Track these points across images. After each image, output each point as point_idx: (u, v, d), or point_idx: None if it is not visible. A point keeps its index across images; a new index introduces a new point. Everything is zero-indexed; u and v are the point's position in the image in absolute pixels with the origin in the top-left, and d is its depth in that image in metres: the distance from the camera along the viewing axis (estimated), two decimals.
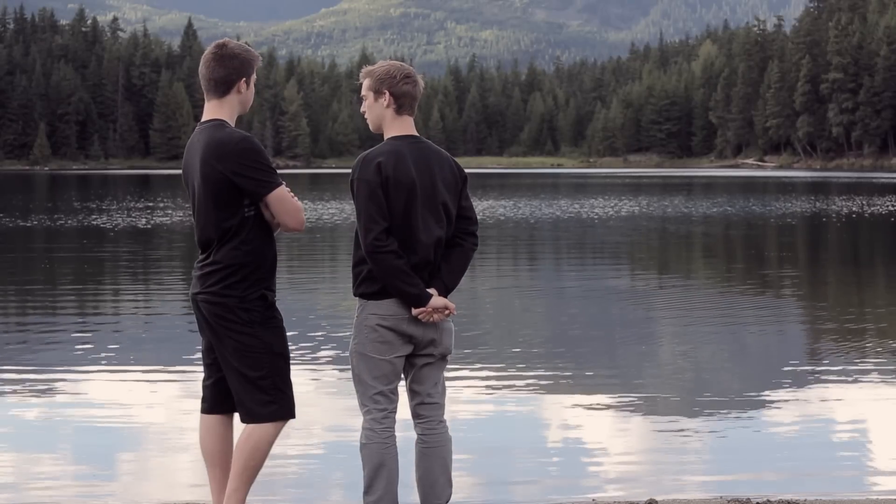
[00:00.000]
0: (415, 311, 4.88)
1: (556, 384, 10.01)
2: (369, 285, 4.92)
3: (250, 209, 4.84)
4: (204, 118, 4.95)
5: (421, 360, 5.02)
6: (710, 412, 8.99)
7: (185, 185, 5.00)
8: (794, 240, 30.08)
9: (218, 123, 4.88)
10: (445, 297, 4.96)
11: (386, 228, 4.82)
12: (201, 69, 4.94)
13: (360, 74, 5.05)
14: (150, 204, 47.37)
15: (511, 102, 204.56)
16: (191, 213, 5.04)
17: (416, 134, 5.00)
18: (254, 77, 5.01)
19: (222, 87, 4.91)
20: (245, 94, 4.98)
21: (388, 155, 4.86)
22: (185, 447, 7.65)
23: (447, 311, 4.93)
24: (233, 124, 4.93)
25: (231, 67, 4.90)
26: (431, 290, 4.92)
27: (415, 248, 4.88)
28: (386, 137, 4.99)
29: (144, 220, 36.12)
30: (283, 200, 4.83)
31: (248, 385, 4.87)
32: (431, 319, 4.91)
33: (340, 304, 15.42)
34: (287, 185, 4.90)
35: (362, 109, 5.05)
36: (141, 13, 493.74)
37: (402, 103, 4.96)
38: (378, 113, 4.98)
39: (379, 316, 4.91)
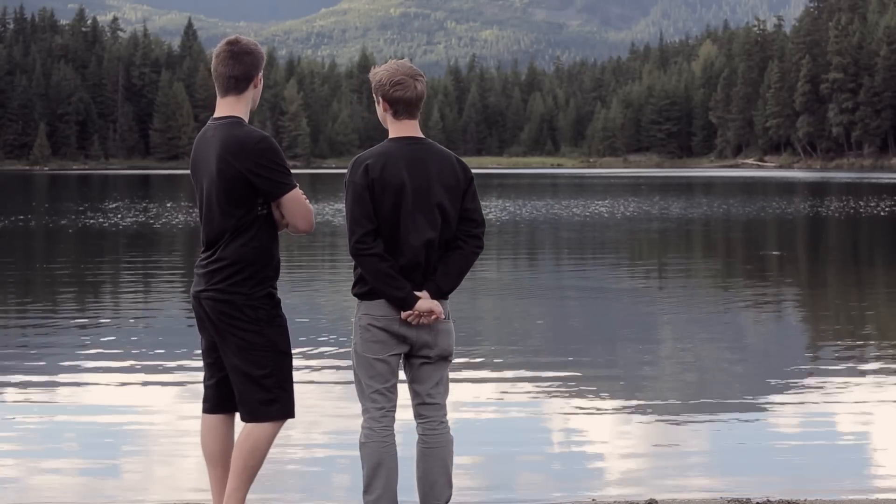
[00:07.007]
0: (403, 315, 4.88)
1: (556, 384, 10.01)
2: (362, 286, 4.93)
3: (263, 208, 4.84)
4: (218, 114, 4.91)
5: (418, 359, 5.02)
6: (711, 412, 8.99)
7: (194, 180, 4.96)
8: (793, 240, 30.09)
9: (235, 121, 4.86)
10: (439, 299, 4.93)
11: (371, 231, 4.83)
12: (217, 67, 4.88)
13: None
14: (151, 204, 47.36)
15: (511, 102, 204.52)
16: (196, 209, 5.02)
17: (417, 135, 4.97)
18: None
19: (242, 84, 4.89)
20: (259, 88, 5.00)
21: (378, 157, 4.87)
22: (187, 447, 7.65)
23: (433, 316, 4.91)
24: (247, 120, 4.93)
25: (249, 63, 4.89)
26: (422, 293, 4.89)
27: (402, 249, 4.87)
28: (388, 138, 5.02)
29: (144, 219, 36.11)
30: (298, 202, 4.84)
31: (250, 383, 4.86)
32: (419, 322, 4.91)
33: (342, 303, 15.42)
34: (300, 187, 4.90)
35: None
36: (141, 13, 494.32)
37: (396, 109, 4.95)
38: (381, 115, 5.03)
39: (371, 316, 4.92)
